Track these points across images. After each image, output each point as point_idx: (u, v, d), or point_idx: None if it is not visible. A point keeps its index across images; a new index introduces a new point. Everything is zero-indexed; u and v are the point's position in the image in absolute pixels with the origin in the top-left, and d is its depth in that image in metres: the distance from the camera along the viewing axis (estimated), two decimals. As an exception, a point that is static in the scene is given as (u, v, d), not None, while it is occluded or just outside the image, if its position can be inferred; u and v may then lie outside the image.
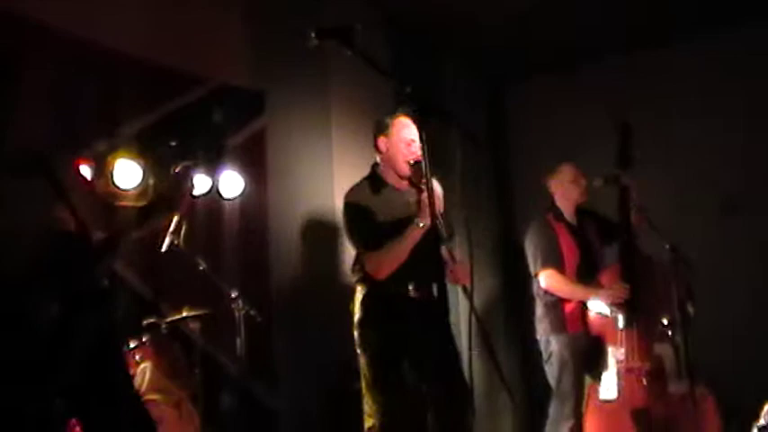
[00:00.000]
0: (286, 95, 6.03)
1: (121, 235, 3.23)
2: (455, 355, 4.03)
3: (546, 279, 5.19)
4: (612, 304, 4.94)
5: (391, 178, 4.23)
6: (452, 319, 4.18)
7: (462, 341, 3.81)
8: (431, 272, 3.58)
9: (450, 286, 3.98)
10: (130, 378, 3.31)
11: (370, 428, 4.09)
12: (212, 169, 5.25)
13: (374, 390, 4.08)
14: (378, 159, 4.30)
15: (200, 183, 5.18)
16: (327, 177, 6.13)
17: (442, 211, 4.04)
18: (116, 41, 5.09)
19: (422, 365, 3.99)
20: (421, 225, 3.89)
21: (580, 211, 5.41)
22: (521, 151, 7.47)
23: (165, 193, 3.27)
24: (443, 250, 3.80)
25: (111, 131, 5.04)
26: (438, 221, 3.59)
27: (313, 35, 2.93)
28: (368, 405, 4.11)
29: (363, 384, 4.16)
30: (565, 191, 5.41)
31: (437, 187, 4.10)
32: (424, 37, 6.72)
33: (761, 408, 4.68)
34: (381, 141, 4.24)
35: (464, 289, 3.72)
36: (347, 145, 6.05)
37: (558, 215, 5.37)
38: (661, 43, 6.67)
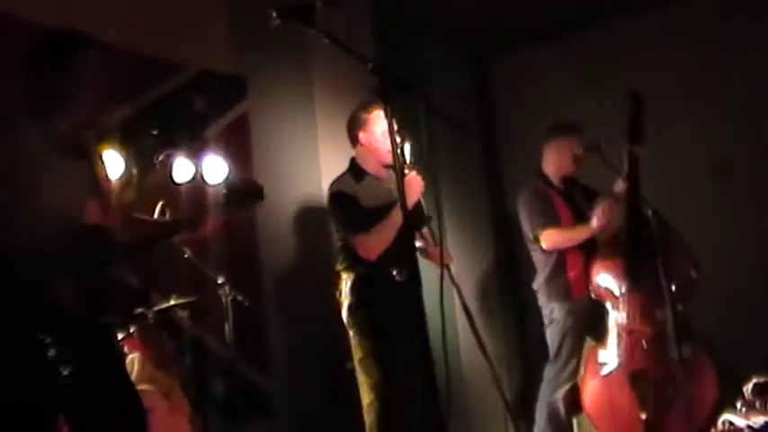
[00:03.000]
0: (268, 79, 6.01)
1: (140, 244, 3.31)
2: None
3: (547, 239, 5.17)
4: (605, 225, 4.96)
5: (371, 168, 4.47)
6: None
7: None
8: (408, 255, 3.77)
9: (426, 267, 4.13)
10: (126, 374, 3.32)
11: (368, 404, 4.28)
12: (195, 155, 5.24)
13: (370, 367, 4.29)
14: (355, 153, 4.54)
15: (184, 169, 5.18)
16: (313, 159, 6.13)
17: (421, 196, 4.28)
18: (93, 29, 5.04)
19: (407, 343, 4.04)
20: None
21: (564, 178, 5.39)
22: (507, 123, 7.44)
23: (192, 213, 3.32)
24: (426, 232, 4.37)
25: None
26: (421, 205, 4.21)
27: (274, 15, 2.90)
28: (366, 383, 4.32)
29: (357, 363, 4.37)
30: (556, 160, 5.37)
31: (417, 176, 4.28)
32: (407, 10, 6.67)
33: (745, 382, 4.71)
34: (361, 135, 4.48)
35: (447, 268, 3.76)
36: (332, 126, 6.02)
37: (548, 182, 5.34)
38: (649, 6, 6.62)
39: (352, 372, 4.78)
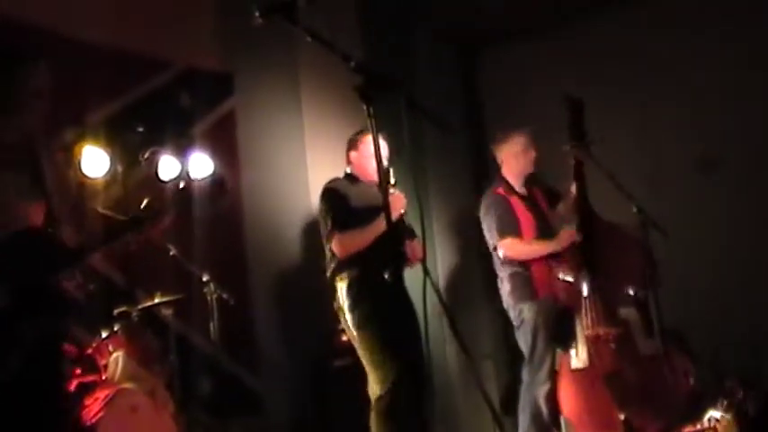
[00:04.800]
0: (255, 76, 5.99)
1: (91, 247, 3.23)
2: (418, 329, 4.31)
3: (506, 248, 5.16)
4: (569, 245, 4.94)
5: (364, 179, 4.73)
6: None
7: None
8: (396, 259, 4.29)
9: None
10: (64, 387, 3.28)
11: (379, 397, 4.39)
12: (181, 152, 5.23)
13: (377, 360, 4.43)
14: (348, 170, 4.82)
15: (170, 166, 5.17)
16: (300, 156, 6.12)
17: (404, 212, 4.56)
18: (80, 27, 5.04)
19: (403, 336, 4.37)
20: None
21: (526, 178, 5.39)
22: (495, 118, 7.41)
23: (144, 212, 3.27)
24: (409, 242, 4.55)
25: (78, 119, 5.00)
26: (403, 219, 4.54)
27: (257, 14, 2.87)
28: (373, 375, 4.46)
29: (364, 359, 4.51)
30: (514, 161, 5.36)
31: (400, 195, 4.51)
32: (397, 5, 6.67)
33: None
34: (352, 156, 4.80)
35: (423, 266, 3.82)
36: (318, 122, 6.03)
37: (509, 187, 5.33)
38: (638, 1, 6.61)
39: (339, 370, 5.10)
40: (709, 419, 4.73)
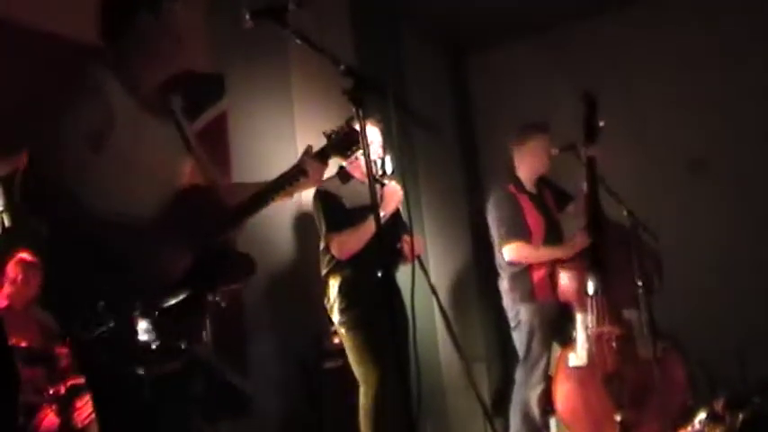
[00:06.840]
0: (247, 78, 5.99)
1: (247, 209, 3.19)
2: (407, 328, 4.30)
3: (511, 252, 5.17)
4: (578, 254, 4.97)
5: (357, 174, 4.66)
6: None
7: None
8: (392, 257, 4.33)
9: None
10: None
11: (366, 396, 4.45)
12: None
13: (365, 359, 4.51)
14: (343, 163, 4.64)
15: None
16: (292, 158, 6.03)
17: (399, 205, 4.54)
18: (68, 25, 5.02)
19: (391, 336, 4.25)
20: (381, 214, 4.22)
21: (536, 179, 5.38)
22: (485, 118, 7.43)
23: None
24: (406, 238, 4.49)
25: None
26: (400, 214, 4.52)
27: (247, 17, 2.90)
28: (360, 374, 4.52)
29: (352, 357, 4.57)
30: (531, 161, 5.34)
31: (397, 187, 4.50)
32: (386, 7, 6.67)
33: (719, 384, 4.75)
34: None
35: (419, 261, 3.85)
36: (310, 125, 6.02)
37: (520, 185, 5.32)
38: (627, 3, 6.64)
39: (330, 372, 5.14)
40: (699, 421, 4.76)
